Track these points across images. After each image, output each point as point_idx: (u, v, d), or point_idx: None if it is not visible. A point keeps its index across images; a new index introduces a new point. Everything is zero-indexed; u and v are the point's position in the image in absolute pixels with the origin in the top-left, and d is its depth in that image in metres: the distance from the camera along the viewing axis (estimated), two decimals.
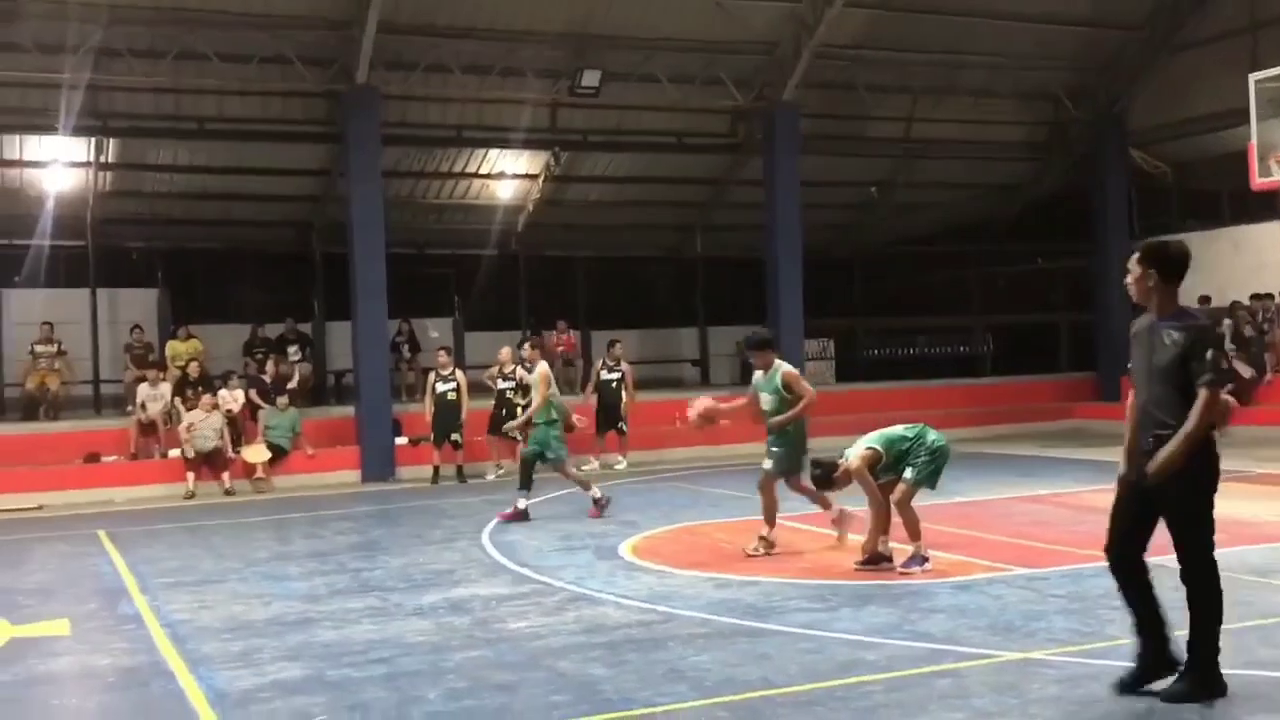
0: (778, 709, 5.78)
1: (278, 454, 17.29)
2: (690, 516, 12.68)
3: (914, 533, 9.00)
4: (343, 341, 20.14)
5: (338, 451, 18.01)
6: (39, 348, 18.89)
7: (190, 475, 16.55)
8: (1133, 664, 5.66)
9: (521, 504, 12.61)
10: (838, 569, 9.23)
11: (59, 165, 19.39)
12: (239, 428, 17.55)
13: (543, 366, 13.09)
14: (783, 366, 10.16)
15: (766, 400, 10.14)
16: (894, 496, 9.04)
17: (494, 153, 21.75)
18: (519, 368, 17.90)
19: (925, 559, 8.99)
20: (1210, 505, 5.56)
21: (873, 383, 22.55)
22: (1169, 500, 5.53)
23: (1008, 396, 22.04)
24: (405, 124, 19.59)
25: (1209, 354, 5.52)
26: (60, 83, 16.87)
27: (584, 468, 18.08)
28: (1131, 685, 5.61)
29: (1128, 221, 22.71)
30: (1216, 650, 5.55)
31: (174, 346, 19.35)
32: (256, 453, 17.16)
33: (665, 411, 20.12)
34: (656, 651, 6.97)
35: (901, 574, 8.84)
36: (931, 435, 9.12)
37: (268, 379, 18.79)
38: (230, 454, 16.95)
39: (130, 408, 17.99)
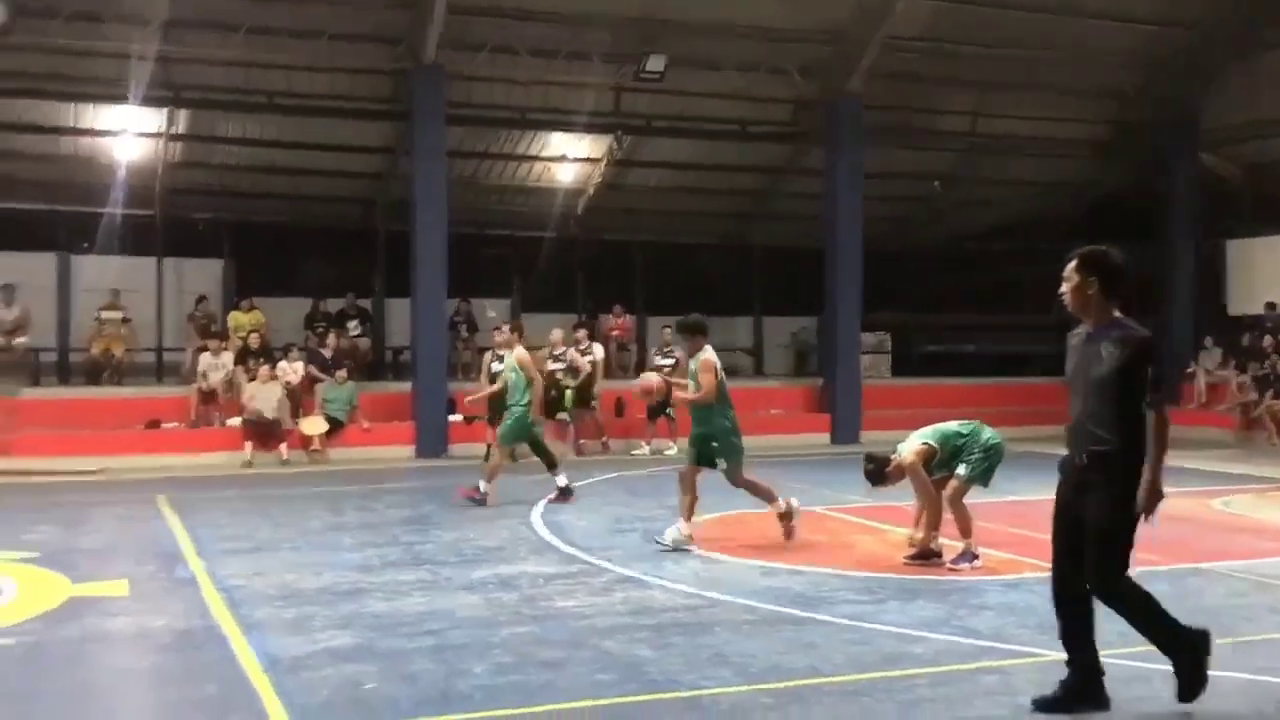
0: (823, 698, 5.79)
1: (334, 427, 17.53)
2: (740, 504, 12.61)
3: (965, 529, 8.96)
4: (402, 318, 20.33)
5: (393, 426, 18.20)
6: (105, 314, 19.25)
7: (248, 445, 16.82)
8: (1060, 684, 5.54)
9: (561, 481, 12.68)
10: (886, 562, 9.21)
11: (130, 135, 19.68)
12: (297, 400, 17.79)
13: (521, 352, 13.05)
14: (703, 354, 10.06)
15: (691, 386, 10.14)
16: (946, 493, 9.00)
17: (556, 135, 21.80)
18: (570, 350, 18.03)
19: (975, 556, 8.95)
20: (1131, 525, 5.40)
21: (928, 378, 22.41)
22: (1090, 516, 5.41)
23: (1065, 396, 21.79)
24: (470, 104, 19.68)
25: (1149, 371, 5.37)
26: (133, 53, 17.14)
27: (634, 452, 18.17)
28: (1047, 705, 5.47)
29: (1196, 223, 22.38)
30: (1185, 647, 5.44)
31: (236, 317, 19.64)
32: (314, 425, 17.40)
33: None
34: (702, 636, 7.00)
35: (951, 570, 8.81)
36: (986, 433, 9.07)
37: (327, 353, 19.01)
38: (288, 425, 17.19)
39: (192, 376, 18.29)
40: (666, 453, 18.03)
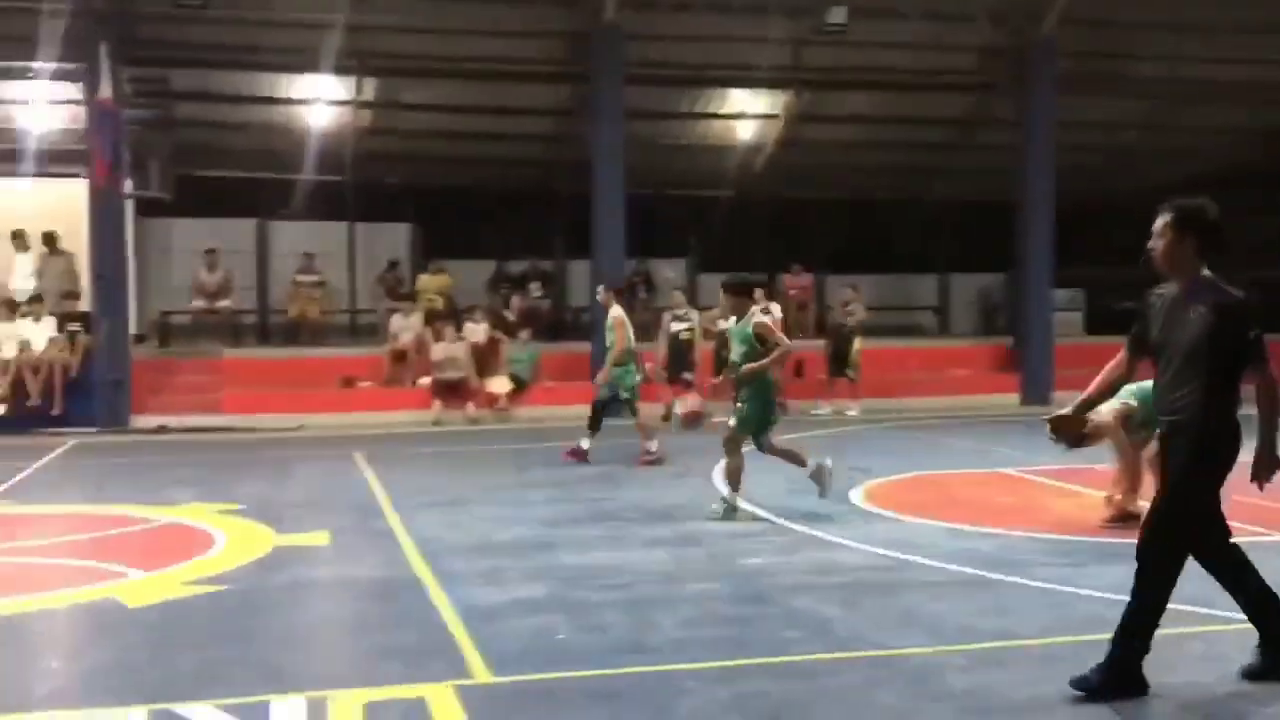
0: (1018, 660, 5.65)
1: (518, 386, 17.91)
2: (927, 465, 12.46)
3: None
4: (582, 279, 20.59)
5: (575, 385, 18.42)
6: (301, 277, 20.09)
7: (437, 403, 17.32)
8: (1258, 651, 5.29)
9: (585, 444, 12.71)
10: (1082, 525, 8.92)
11: (322, 104, 20.33)
12: (483, 359, 18.22)
13: (616, 311, 12.97)
14: (756, 316, 9.55)
15: (736, 350, 9.63)
16: (1146, 453, 8.64)
17: (735, 92, 21.62)
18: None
19: None
20: (1201, 499, 5.10)
21: (1125, 336, 21.53)
22: (1173, 463, 5.13)
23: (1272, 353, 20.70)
24: (648, 63, 19.66)
25: (1252, 334, 5.04)
26: (325, 23, 17.67)
27: (814, 413, 18.01)
28: (1256, 673, 5.23)
29: None
30: (1143, 649, 5.08)
31: (424, 280, 20.21)
32: (499, 384, 17.82)
33: (902, 359, 19.85)
34: (890, 596, 6.91)
35: None
36: None
37: (511, 314, 19.41)
38: (474, 384, 17.64)
39: (383, 337, 18.92)
40: (848, 413, 17.84)
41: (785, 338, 9.72)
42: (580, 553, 8.17)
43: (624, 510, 9.88)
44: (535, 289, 21.04)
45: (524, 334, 18.57)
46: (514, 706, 5.08)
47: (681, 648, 5.88)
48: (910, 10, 18.83)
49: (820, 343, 19.04)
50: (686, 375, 17.37)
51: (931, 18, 19.04)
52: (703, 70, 20.47)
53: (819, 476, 9.61)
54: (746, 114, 22.26)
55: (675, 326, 17.44)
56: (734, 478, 9.48)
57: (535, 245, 21.85)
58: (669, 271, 21.85)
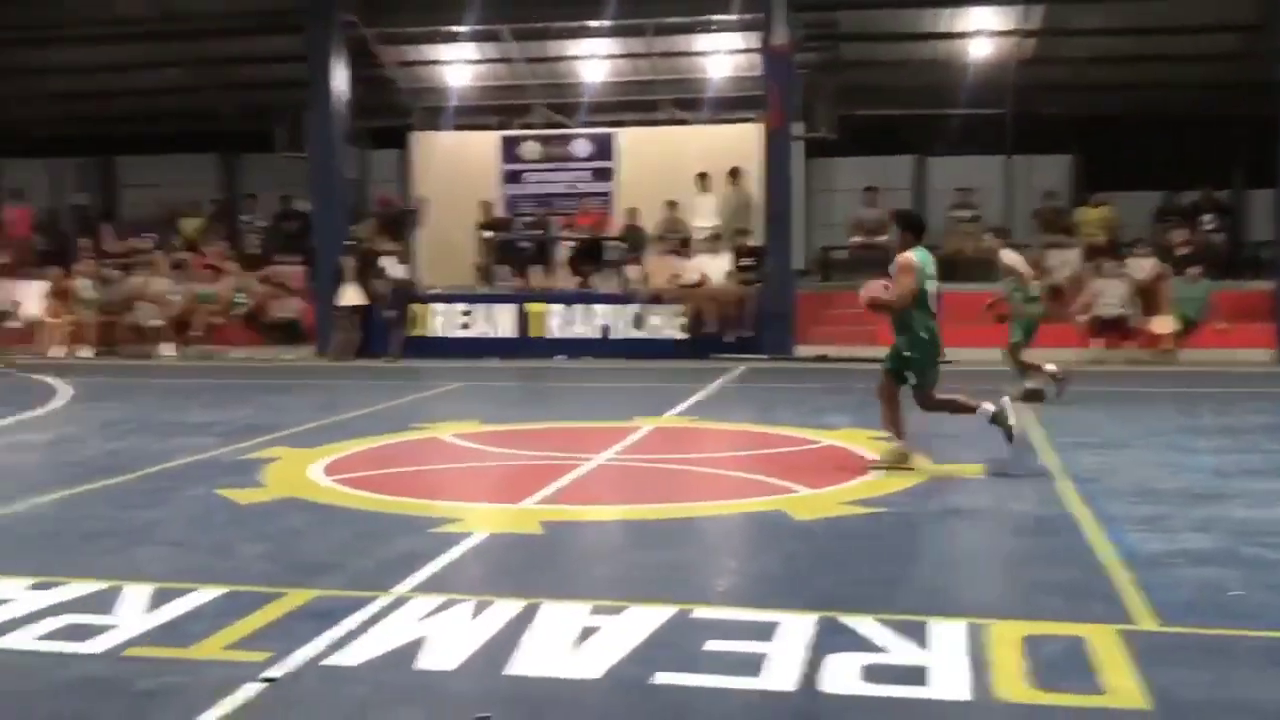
0: None
1: (1186, 326, 16.79)
2: None
3: None
4: (1264, 211, 18.74)
5: (1251, 328, 16.94)
6: (956, 212, 20.13)
7: (1096, 341, 16.69)
8: None
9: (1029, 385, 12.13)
10: None
11: (984, 36, 20.07)
12: (1147, 297, 17.26)
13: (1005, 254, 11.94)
14: (904, 254, 8.91)
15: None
16: None
17: None
18: None
19: None
20: None
21: None
22: None
23: None
24: None
25: None
26: None
27: None
28: None
29: None
30: None
31: (1084, 213, 19.46)
32: (1164, 323, 16.80)
33: None
34: None
35: None
36: None
37: (1179, 248, 18.16)
38: (1136, 323, 16.78)
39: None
40: None
41: (909, 284, 8.81)
42: (1257, 507, 7.52)
43: None
44: (1208, 222, 19.46)
45: (1193, 270, 17.28)
46: (1183, 659, 4.82)
47: None
48: None
49: None
50: None
51: None
52: None
53: (1000, 419, 8.66)
54: None
55: None
56: (965, 407, 8.89)
57: (1210, 175, 20.16)
58: None
